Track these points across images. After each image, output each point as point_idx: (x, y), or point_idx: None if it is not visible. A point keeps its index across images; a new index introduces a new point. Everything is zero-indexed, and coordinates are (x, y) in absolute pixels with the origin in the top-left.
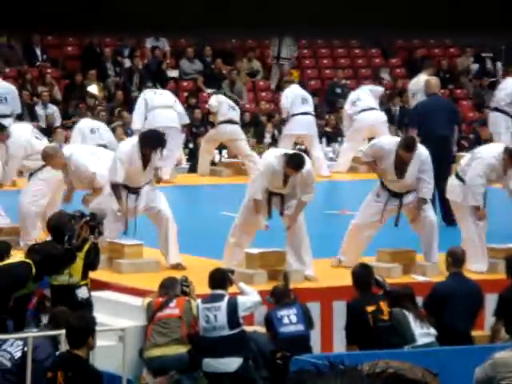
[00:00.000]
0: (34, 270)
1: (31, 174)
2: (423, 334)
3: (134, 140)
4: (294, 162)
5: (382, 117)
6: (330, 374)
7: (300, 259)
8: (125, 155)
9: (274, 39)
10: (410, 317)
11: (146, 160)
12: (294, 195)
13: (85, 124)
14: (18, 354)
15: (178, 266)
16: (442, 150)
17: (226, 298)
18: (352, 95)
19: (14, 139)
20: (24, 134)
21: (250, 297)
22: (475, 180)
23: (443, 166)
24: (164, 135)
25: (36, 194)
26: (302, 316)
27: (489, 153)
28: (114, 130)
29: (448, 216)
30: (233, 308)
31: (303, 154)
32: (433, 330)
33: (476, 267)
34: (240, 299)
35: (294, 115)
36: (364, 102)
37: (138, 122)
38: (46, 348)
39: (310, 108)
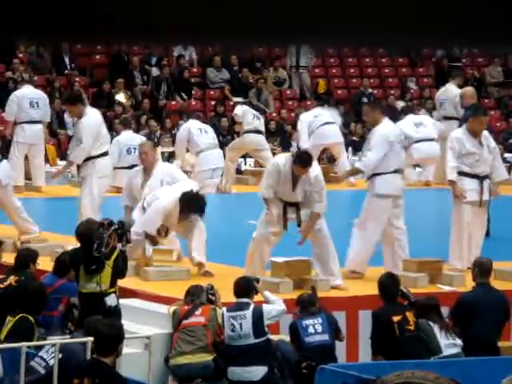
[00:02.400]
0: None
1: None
2: (449, 344)
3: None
4: (301, 159)
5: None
6: None
7: (328, 270)
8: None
9: (291, 48)
10: (436, 328)
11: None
12: (310, 204)
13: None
14: (52, 361)
15: (205, 274)
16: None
17: (252, 307)
18: (415, 118)
19: None
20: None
21: (275, 305)
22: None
23: None
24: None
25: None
26: (328, 325)
27: None
28: None
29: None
30: (258, 316)
31: (311, 154)
32: (459, 341)
33: (457, 264)
34: (265, 308)
35: (318, 126)
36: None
37: None
38: (80, 354)
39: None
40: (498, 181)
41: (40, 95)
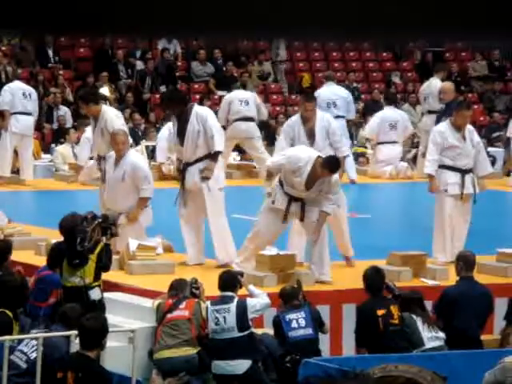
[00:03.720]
0: (11, 315)
1: None
2: (432, 337)
3: None
4: (331, 164)
5: None
6: (341, 379)
7: (321, 267)
8: None
9: (274, 42)
10: (419, 321)
11: None
12: (315, 202)
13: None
14: (33, 355)
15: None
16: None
17: (236, 300)
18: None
19: None
20: None
21: (259, 299)
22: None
23: None
24: None
25: None
26: (311, 319)
27: None
28: None
29: None
30: (242, 310)
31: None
32: (441, 334)
33: (440, 257)
34: (249, 301)
35: None
36: None
37: None
38: (62, 347)
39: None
40: (482, 175)
41: (31, 90)
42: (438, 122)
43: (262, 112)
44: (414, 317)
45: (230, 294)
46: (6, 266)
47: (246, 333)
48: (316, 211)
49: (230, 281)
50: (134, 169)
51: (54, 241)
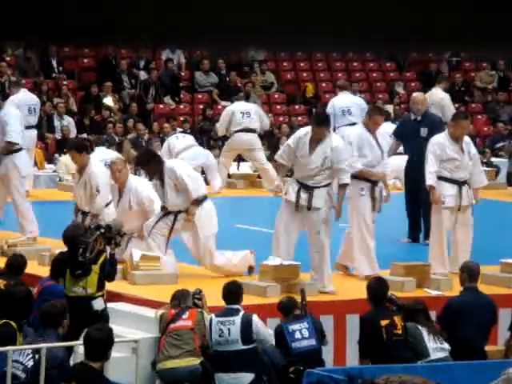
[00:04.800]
0: (15, 326)
1: None
2: (437, 348)
3: None
4: (317, 118)
5: None
6: None
7: (320, 274)
8: None
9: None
10: (424, 331)
11: None
12: (327, 178)
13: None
14: (30, 363)
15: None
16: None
17: (241, 313)
18: None
19: None
20: None
21: (268, 329)
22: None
23: None
24: None
25: None
26: (314, 330)
27: None
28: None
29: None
30: (247, 324)
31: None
32: (446, 345)
33: (439, 269)
34: (255, 318)
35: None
36: None
37: None
38: (58, 353)
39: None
40: (477, 187)
41: (36, 101)
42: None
43: (265, 122)
44: (420, 327)
45: (235, 306)
46: (19, 279)
47: (249, 346)
48: (322, 197)
49: (235, 292)
50: (136, 194)
51: (57, 251)
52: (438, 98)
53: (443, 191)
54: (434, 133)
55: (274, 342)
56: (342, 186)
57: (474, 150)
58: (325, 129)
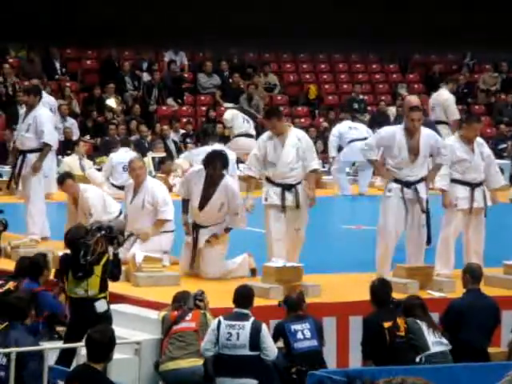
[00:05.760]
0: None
1: None
2: (436, 342)
3: None
4: (266, 112)
5: None
6: None
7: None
8: None
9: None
10: (423, 325)
11: None
12: (297, 175)
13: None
14: (4, 360)
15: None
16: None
17: (252, 319)
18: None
19: None
20: None
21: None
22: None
23: None
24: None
25: None
26: (316, 331)
27: None
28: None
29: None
30: (256, 331)
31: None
32: (445, 340)
33: (444, 270)
34: (265, 327)
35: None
36: None
37: None
38: (25, 343)
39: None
40: (494, 188)
41: (54, 102)
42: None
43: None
44: (419, 321)
45: (245, 311)
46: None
47: (255, 353)
48: (304, 194)
49: (246, 296)
50: (152, 194)
51: (60, 253)
52: (443, 99)
53: (456, 193)
54: None
55: (276, 354)
56: (312, 174)
57: (487, 151)
58: (275, 120)
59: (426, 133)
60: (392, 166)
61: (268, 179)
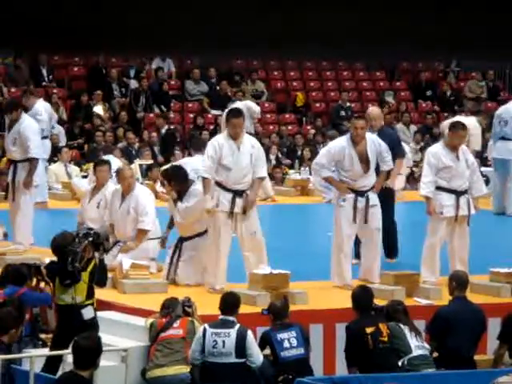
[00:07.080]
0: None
1: None
2: (418, 346)
3: None
4: (229, 110)
5: None
6: None
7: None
8: None
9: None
10: (406, 329)
11: None
12: (249, 181)
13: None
14: None
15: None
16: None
17: (237, 326)
18: None
19: None
20: None
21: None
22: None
23: None
24: None
25: None
26: (302, 338)
27: None
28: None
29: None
30: (242, 338)
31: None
32: (426, 344)
33: (430, 277)
34: (250, 334)
35: None
36: None
37: None
38: None
39: None
40: (476, 196)
41: (50, 108)
42: None
43: (253, 110)
44: (401, 325)
45: (230, 318)
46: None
47: (242, 360)
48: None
49: (232, 304)
50: (136, 202)
51: (47, 260)
52: (472, 126)
53: (441, 201)
54: (393, 149)
55: (261, 360)
56: (259, 181)
57: (471, 159)
58: (243, 121)
59: (370, 138)
60: (346, 177)
61: (219, 184)
